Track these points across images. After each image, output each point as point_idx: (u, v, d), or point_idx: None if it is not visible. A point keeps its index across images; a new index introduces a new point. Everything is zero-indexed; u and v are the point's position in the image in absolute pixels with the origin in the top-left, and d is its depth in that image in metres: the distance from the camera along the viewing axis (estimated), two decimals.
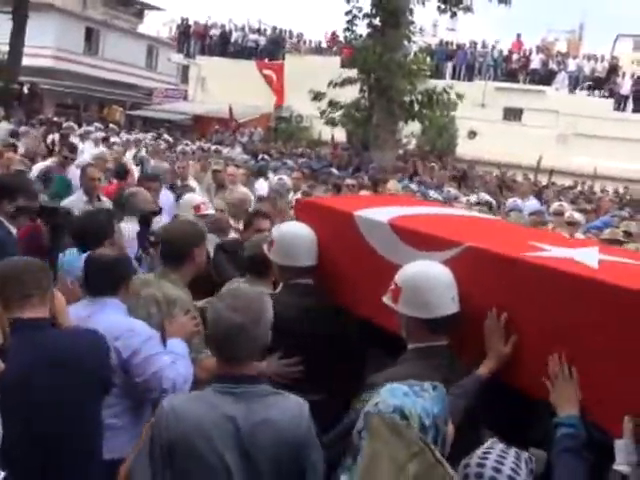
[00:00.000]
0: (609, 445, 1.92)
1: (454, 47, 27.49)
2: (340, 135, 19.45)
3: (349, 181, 8.38)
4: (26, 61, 22.17)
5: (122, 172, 7.57)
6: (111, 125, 17.64)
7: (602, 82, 25.48)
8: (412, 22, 16.09)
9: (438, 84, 16.71)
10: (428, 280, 2.34)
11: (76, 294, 3.02)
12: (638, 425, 1.86)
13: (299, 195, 7.00)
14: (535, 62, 26.45)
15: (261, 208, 5.31)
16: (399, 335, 2.47)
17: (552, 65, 26.52)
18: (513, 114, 25.72)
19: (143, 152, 12.07)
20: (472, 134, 23.35)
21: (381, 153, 15.48)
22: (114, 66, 31.90)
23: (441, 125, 19.41)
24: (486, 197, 7.80)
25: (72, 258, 3.29)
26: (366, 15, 15.84)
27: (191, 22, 30.89)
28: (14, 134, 10.54)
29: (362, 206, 3.08)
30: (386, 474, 1.53)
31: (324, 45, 30.47)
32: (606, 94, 25.31)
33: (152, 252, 4.19)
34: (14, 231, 3.96)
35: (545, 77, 25.95)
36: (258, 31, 30.36)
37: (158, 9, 38.28)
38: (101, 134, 12.87)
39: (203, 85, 28.89)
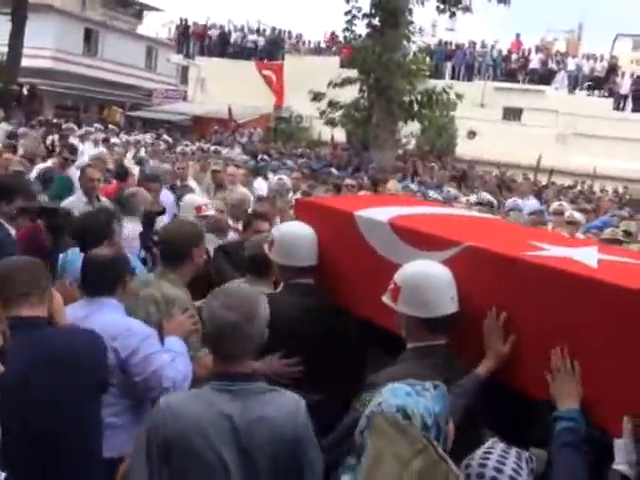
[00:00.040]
0: (609, 444, 1.92)
1: (453, 47, 27.47)
2: (340, 135, 19.45)
3: (349, 181, 8.37)
4: (25, 62, 22.19)
5: (122, 173, 7.58)
6: (111, 126, 17.64)
7: (601, 82, 25.48)
8: (411, 22, 16.10)
9: (437, 84, 16.72)
10: (428, 279, 2.34)
11: (74, 295, 3.03)
12: (637, 425, 1.86)
13: (299, 195, 7.00)
14: (534, 62, 26.44)
15: (260, 209, 5.32)
16: (399, 335, 2.47)
17: (551, 65, 26.52)
18: (512, 114, 25.72)
19: (142, 152, 12.08)
20: (471, 134, 23.35)
21: (381, 153, 15.48)
22: (113, 67, 31.91)
23: (440, 125, 19.41)
24: (487, 197, 7.80)
25: (74, 257, 3.31)
26: (365, 15, 15.83)
27: (190, 23, 30.86)
28: (12, 136, 10.52)
29: (362, 206, 3.08)
30: (390, 471, 1.53)
31: (323, 45, 30.46)
32: (605, 94, 25.31)
33: (156, 252, 4.20)
34: (13, 232, 3.96)
35: (544, 77, 25.95)
36: (257, 31, 30.35)
37: (157, 10, 38.32)
38: (101, 135, 12.87)
39: (202, 86, 28.88)
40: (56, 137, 12.43)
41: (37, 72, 26.01)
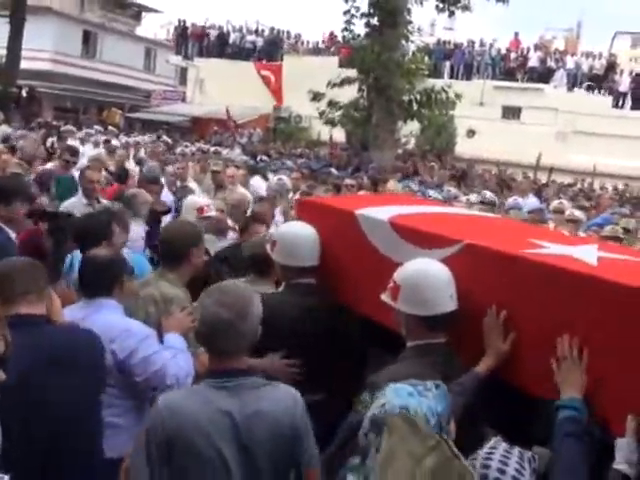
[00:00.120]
0: (609, 443, 1.92)
1: (452, 46, 27.45)
2: (339, 135, 19.46)
3: (348, 181, 8.37)
4: (24, 65, 22.20)
5: (123, 175, 7.60)
6: (110, 127, 17.65)
7: (600, 80, 25.47)
8: (410, 22, 16.11)
9: (436, 83, 16.72)
10: (427, 278, 2.35)
11: (72, 297, 3.03)
12: None
13: (298, 195, 7.00)
14: (533, 60, 26.42)
15: (259, 209, 5.32)
16: (399, 333, 2.47)
17: (550, 63, 26.49)
18: (512, 112, 25.70)
19: (142, 153, 12.09)
20: (471, 133, 23.34)
21: (380, 153, 15.48)
22: (112, 69, 31.92)
23: (440, 124, 19.40)
24: (490, 196, 7.80)
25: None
26: (364, 15, 15.85)
27: (189, 24, 30.88)
28: (6, 139, 10.49)
29: (363, 205, 3.09)
30: (403, 468, 1.54)
31: (322, 45, 30.46)
32: (605, 92, 25.30)
33: None
34: (13, 235, 3.95)
35: (543, 75, 25.93)
36: (256, 32, 30.35)
37: (155, 11, 38.33)
38: (102, 137, 12.87)
39: (201, 87, 28.89)
40: (56, 139, 12.42)
41: (36, 74, 26.03)
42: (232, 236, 5.24)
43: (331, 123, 17.00)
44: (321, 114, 16.73)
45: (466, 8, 16.32)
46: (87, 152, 10.49)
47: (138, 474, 2.10)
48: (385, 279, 2.48)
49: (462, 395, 2.18)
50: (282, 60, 27.26)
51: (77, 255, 3.46)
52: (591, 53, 26.99)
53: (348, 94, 16.47)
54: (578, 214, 6.90)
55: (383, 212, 2.91)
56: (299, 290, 3.06)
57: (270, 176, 9.58)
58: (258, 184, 8.81)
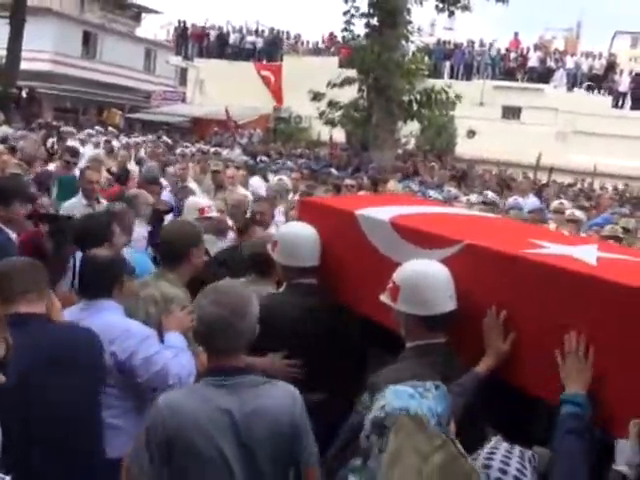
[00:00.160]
0: (610, 444, 1.91)
1: (452, 46, 27.46)
2: (339, 135, 19.46)
3: (348, 181, 8.36)
4: (24, 65, 22.20)
5: (123, 176, 7.60)
6: (110, 128, 17.66)
7: (600, 79, 25.47)
8: (410, 22, 16.10)
9: (436, 83, 16.72)
10: (426, 278, 2.35)
11: (72, 300, 3.03)
12: None
13: (298, 196, 7.00)
14: (533, 60, 26.42)
15: (258, 209, 5.33)
16: (399, 333, 2.47)
17: (550, 63, 26.49)
18: (512, 112, 25.71)
19: (142, 153, 12.09)
20: (471, 133, 23.34)
21: (380, 153, 15.48)
22: (112, 69, 31.94)
23: (440, 124, 19.39)
24: (492, 196, 7.79)
25: None
26: (364, 15, 15.85)
27: (189, 24, 30.87)
28: (4, 139, 10.48)
29: (364, 205, 3.10)
30: (409, 466, 1.54)
31: (322, 46, 30.46)
32: (604, 91, 25.30)
33: None
34: (13, 236, 3.95)
35: (543, 75, 25.93)
36: (256, 32, 30.34)
37: (155, 12, 38.36)
38: (103, 138, 12.88)
39: (201, 87, 28.90)
40: (56, 140, 12.42)
41: (36, 75, 26.05)
42: (232, 236, 5.25)
43: (331, 123, 16.99)
44: (321, 114, 16.73)
45: (466, 8, 16.31)
46: (87, 153, 10.50)
47: (139, 473, 2.10)
48: (385, 279, 2.48)
49: (462, 396, 2.18)
50: (282, 60, 27.24)
51: (79, 256, 3.45)
52: (591, 53, 27.00)
53: (348, 94, 16.47)
54: (579, 214, 6.90)
55: (383, 212, 2.91)
56: (300, 290, 3.07)
57: (270, 176, 9.59)
58: (257, 184, 8.82)
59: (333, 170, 11.47)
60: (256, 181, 9.13)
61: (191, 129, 25.42)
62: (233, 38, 29.97)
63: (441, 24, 31.91)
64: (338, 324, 3.02)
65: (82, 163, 8.03)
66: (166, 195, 7.00)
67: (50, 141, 12.27)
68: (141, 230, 4.78)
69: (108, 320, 2.77)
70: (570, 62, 26.27)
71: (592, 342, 2.03)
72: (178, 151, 12.62)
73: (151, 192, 5.61)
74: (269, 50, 28.91)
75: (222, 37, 30.10)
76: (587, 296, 2.04)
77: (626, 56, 28.90)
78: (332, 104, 16.31)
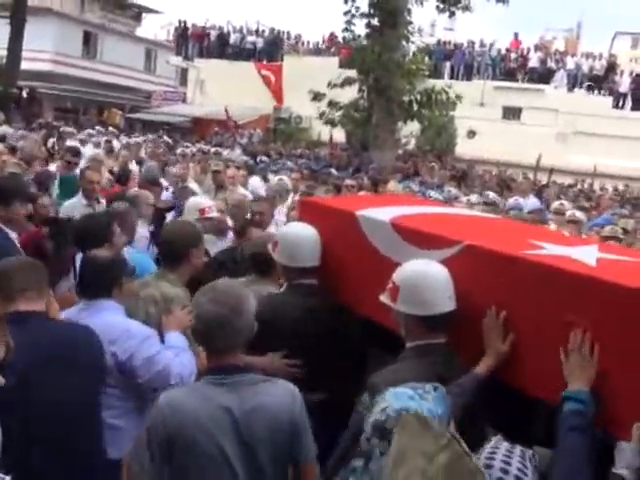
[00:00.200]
0: (610, 444, 1.91)
1: (452, 47, 27.47)
2: (339, 136, 19.47)
3: (349, 182, 8.36)
4: (25, 65, 22.23)
5: (124, 177, 7.60)
6: (110, 128, 17.67)
7: (600, 80, 25.47)
8: (410, 22, 16.11)
9: (437, 84, 16.73)
10: (426, 278, 2.35)
11: (71, 300, 3.03)
12: None
13: (298, 196, 7.00)
14: (533, 60, 26.43)
15: (257, 208, 5.33)
16: (400, 334, 2.47)
17: (550, 64, 26.50)
18: (512, 113, 25.72)
19: (142, 153, 12.09)
20: (471, 133, 23.34)
21: (380, 153, 15.49)
22: (112, 69, 31.96)
23: (440, 125, 19.40)
24: (493, 197, 7.78)
25: None
26: (364, 15, 15.85)
27: (189, 24, 30.87)
28: (2, 139, 10.47)
29: (364, 206, 3.10)
30: (414, 467, 1.54)
31: (322, 46, 30.47)
32: (605, 92, 25.30)
33: None
34: (13, 236, 3.95)
35: (543, 76, 25.94)
36: (256, 32, 30.34)
37: (156, 12, 38.38)
38: (103, 138, 12.88)
39: (202, 87, 28.90)
40: (56, 140, 12.43)
41: (36, 75, 26.07)
42: (232, 237, 5.25)
43: (331, 123, 17.01)
44: (321, 114, 16.75)
45: (466, 8, 16.32)
46: (87, 153, 10.51)
47: (140, 472, 2.11)
48: (385, 280, 2.48)
49: (461, 396, 2.18)
50: (282, 60, 27.26)
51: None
52: (591, 54, 27.00)
53: (348, 94, 16.48)
54: (579, 215, 6.89)
55: (384, 213, 2.91)
56: (301, 291, 3.07)
57: (270, 176, 9.59)
58: (256, 184, 8.81)
59: (333, 170, 11.47)
60: (255, 181, 9.14)
61: (191, 129, 25.43)
62: (233, 38, 29.97)
63: (441, 24, 31.98)
64: (338, 324, 3.03)
65: (82, 163, 8.04)
66: (168, 196, 7.01)
67: (51, 141, 12.28)
68: (142, 230, 4.79)
69: (108, 320, 2.77)
70: (570, 63, 26.28)
71: (592, 344, 2.03)
72: (178, 151, 12.62)
73: (151, 192, 5.60)
74: (269, 50, 28.91)
75: (222, 37, 30.10)
76: (587, 297, 2.04)
77: (626, 57, 28.92)
78: (332, 104, 16.32)
